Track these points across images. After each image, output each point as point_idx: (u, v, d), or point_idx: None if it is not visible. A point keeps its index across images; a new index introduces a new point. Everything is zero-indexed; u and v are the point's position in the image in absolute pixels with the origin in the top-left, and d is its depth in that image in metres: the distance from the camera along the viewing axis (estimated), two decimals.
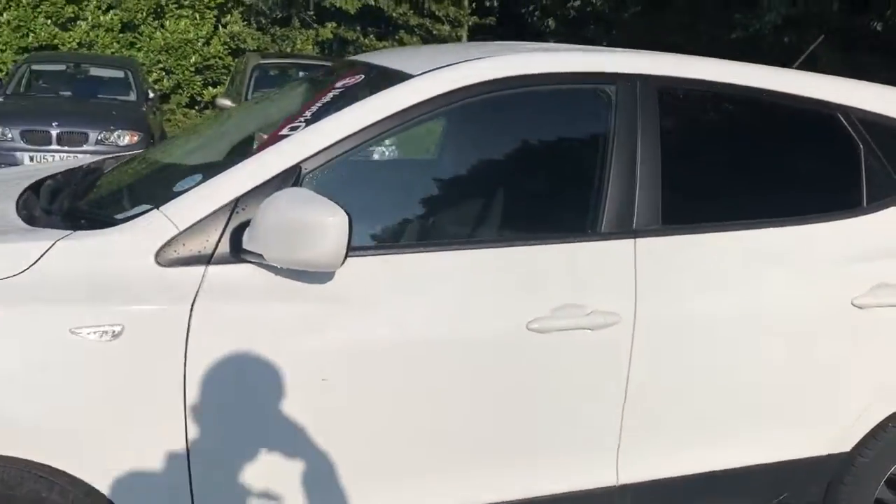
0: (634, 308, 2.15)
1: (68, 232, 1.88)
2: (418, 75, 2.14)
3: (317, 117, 2.09)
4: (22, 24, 13.73)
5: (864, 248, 2.42)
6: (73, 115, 8.89)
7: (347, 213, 1.75)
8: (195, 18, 14.94)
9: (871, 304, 2.38)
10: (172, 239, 1.85)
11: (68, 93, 9.85)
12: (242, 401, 1.88)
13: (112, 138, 8.77)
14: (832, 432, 2.42)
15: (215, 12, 15.25)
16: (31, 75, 10.27)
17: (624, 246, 2.19)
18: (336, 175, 2.06)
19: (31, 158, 8.51)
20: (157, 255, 1.84)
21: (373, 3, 16.00)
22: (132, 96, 10.15)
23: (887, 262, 2.42)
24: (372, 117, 2.02)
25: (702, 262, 2.26)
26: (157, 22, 14.70)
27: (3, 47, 13.64)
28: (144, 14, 14.50)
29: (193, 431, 1.85)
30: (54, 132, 8.54)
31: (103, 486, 1.82)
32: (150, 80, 13.33)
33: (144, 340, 1.79)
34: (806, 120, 2.50)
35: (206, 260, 1.86)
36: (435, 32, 16.27)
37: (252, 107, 2.52)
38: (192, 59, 14.75)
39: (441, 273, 2.05)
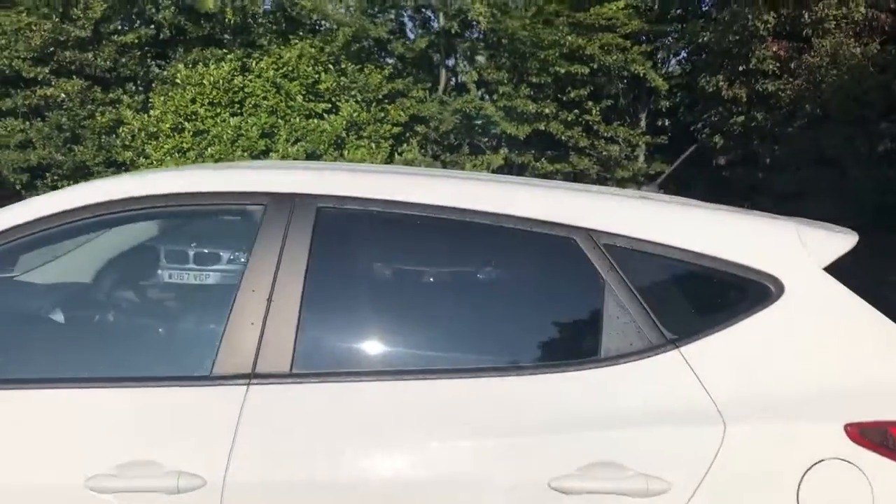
0: (226, 470, 1.79)
1: None
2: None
3: None
4: (222, 157, 15.52)
5: (583, 412, 1.85)
6: (209, 237, 9.74)
7: None
8: (372, 148, 15.99)
9: (581, 489, 1.79)
10: None
11: None
12: None
13: (244, 258, 9.46)
14: None
15: (391, 141, 16.24)
16: None
17: (230, 394, 1.85)
18: None
19: (170, 276, 9.42)
20: None
21: (542, 127, 16.13)
22: None
23: (614, 434, 1.82)
24: None
25: (334, 418, 1.84)
26: (337, 152, 15.93)
27: None
28: (326, 145, 15.80)
29: None
30: (191, 252, 9.42)
31: None
32: None
33: None
34: (531, 247, 2.02)
35: None
36: (605, 153, 15.98)
37: None
38: None
39: None
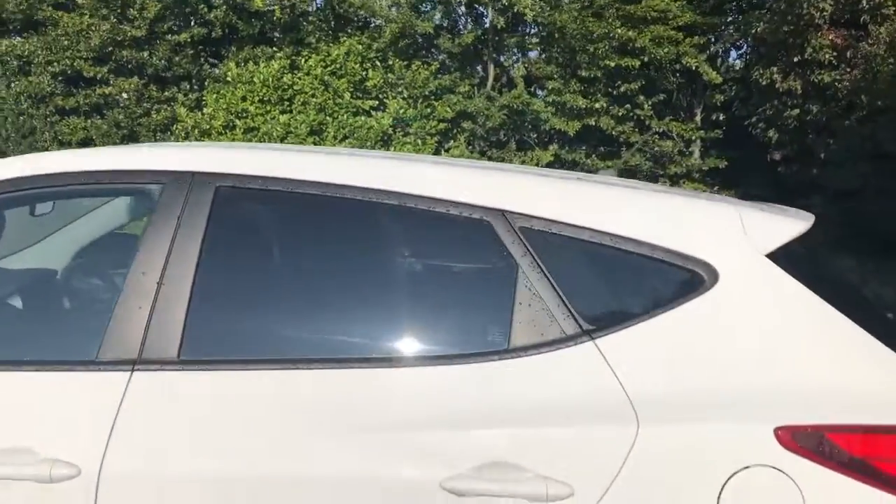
0: (102, 460, 1.70)
1: None
2: None
3: None
4: None
5: (482, 408, 1.71)
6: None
7: None
8: (418, 144, 15.94)
9: (476, 491, 1.64)
10: None
11: None
12: None
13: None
14: None
15: (437, 138, 16.15)
16: None
17: (112, 380, 1.77)
18: None
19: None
20: None
21: (593, 123, 15.81)
22: None
23: (514, 431, 1.68)
24: None
25: (219, 408, 1.75)
26: (383, 148, 15.93)
27: None
28: (373, 142, 15.81)
29: None
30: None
31: None
32: None
33: None
34: (441, 229, 1.88)
35: None
36: (657, 149, 15.56)
37: None
38: None
39: None
